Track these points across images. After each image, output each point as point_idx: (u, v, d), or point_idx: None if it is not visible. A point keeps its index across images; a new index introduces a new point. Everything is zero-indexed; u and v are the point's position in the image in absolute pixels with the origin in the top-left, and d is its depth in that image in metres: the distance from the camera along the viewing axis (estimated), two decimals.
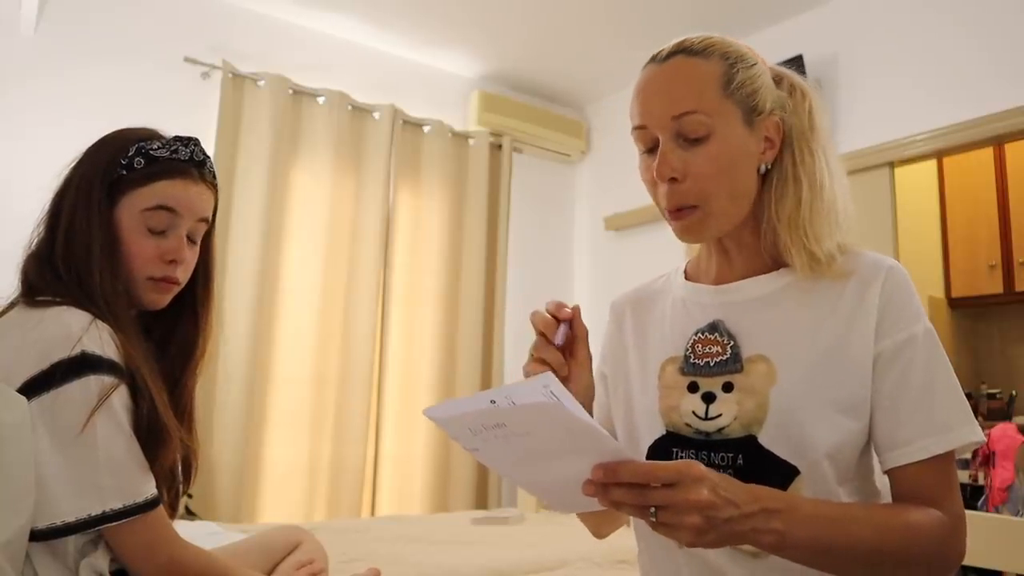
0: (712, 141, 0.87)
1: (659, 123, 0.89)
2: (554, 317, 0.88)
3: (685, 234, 0.93)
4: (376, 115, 3.48)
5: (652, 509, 0.71)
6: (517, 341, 3.85)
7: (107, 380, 0.98)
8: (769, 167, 0.93)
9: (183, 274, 1.15)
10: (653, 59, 0.93)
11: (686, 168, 0.88)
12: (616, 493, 0.71)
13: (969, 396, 3.49)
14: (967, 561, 1.18)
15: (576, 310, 0.89)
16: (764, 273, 0.95)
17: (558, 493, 0.82)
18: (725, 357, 0.91)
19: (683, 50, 0.90)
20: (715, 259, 0.99)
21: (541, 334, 0.88)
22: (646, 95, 0.91)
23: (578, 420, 0.68)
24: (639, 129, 0.92)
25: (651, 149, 0.91)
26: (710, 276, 1.00)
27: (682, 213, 0.90)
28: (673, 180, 0.89)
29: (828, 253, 0.89)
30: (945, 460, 0.84)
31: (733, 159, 0.88)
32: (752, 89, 0.90)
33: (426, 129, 3.66)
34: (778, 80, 0.96)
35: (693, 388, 0.93)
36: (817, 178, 0.91)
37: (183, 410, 1.19)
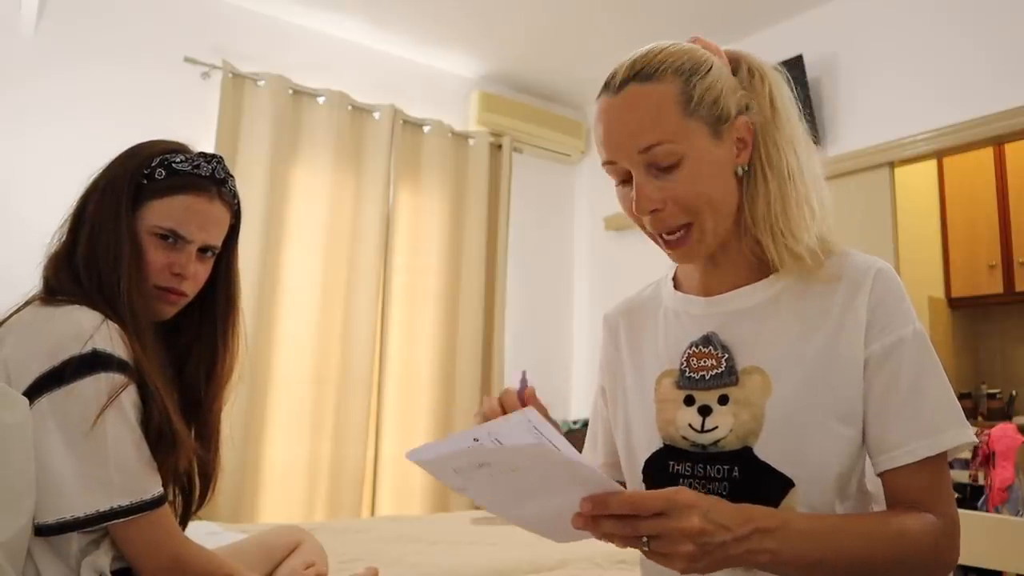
0: (685, 165, 0.85)
1: (627, 158, 0.87)
2: (502, 406, 0.85)
3: (682, 259, 0.93)
4: (376, 115, 3.48)
5: (645, 539, 0.70)
6: (517, 341, 3.86)
7: (117, 378, 0.99)
8: (746, 168, 0.91)
9: (190, 287, 1.15)
10: (607, 87, 0.89)
11: (664, 196, 0.87)
12: (606, 525, 0.71)
13: (969, 396, 3.52)
14: (967, 561, 1.18)
15: (530, 392, 0.85)
16: (751, 278, 0.94)
17: (550, 526, 0.80)
18: (720, 370, 0.91)
19: (635, 76, 0.86)
20: (702, 267, 0.97)
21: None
22: (608, 130, 0.88)
23: (567, 458, 0.67)
24: (609, 164, 0.90)
25: (625, 180, 0.90)
26: (699, 285, 0.98)
27: (675, 233, 0.89)
28: (655, 211, 0.88)
29: (809, 249, 0.88)
30: (937, 462, 0.83)
31: (710, 176, 0.87)
32: (713, 99, 0.87)
33: (426, 129, 3.66)
34: (735, 66, 0.93)
35: (689, 401, 0.92)
36: (785, 172, 0.89)
37: (209, 433, 1.21)
